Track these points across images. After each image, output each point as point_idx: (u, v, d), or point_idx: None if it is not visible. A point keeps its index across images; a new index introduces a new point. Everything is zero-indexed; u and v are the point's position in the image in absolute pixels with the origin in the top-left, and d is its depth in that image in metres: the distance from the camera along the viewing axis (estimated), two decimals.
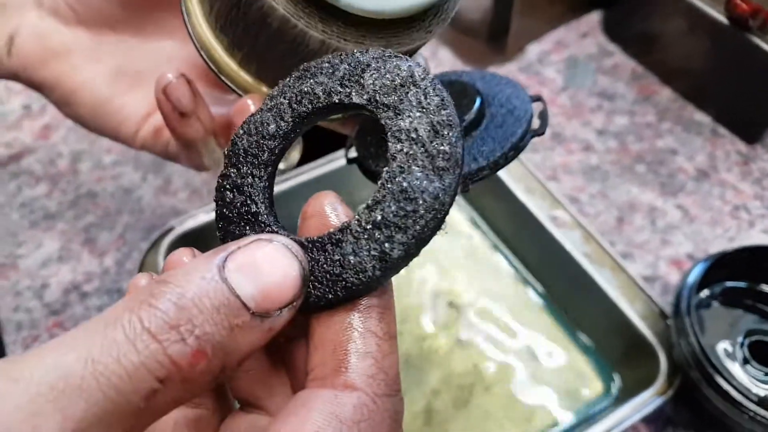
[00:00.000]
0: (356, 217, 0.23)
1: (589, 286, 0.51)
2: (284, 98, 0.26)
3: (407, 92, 0.24)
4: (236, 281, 0.19)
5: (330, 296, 0.22)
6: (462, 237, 0.59)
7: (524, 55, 0.73)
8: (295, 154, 0.39)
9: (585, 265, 0.52)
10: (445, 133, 0.23)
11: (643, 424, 0.50)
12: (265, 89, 0.32)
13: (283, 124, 0.26)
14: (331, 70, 0.25)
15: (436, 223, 0.22)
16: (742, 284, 0.51)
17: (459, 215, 0.60)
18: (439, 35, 0.74)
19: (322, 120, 0.28)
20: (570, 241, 0.53)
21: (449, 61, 0.72)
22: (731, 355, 0.49)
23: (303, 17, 0.27)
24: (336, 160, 0.56)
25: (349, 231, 0.22)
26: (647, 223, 0.61)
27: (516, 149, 0.31)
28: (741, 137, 0.66)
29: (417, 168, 0.22)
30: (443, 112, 0.23)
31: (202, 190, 0.63)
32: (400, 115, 0.23)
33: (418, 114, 0.23)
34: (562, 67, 0.72)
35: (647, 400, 0.46)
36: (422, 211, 0.22)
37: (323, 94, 0.25)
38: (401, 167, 0.22)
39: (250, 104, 0.32)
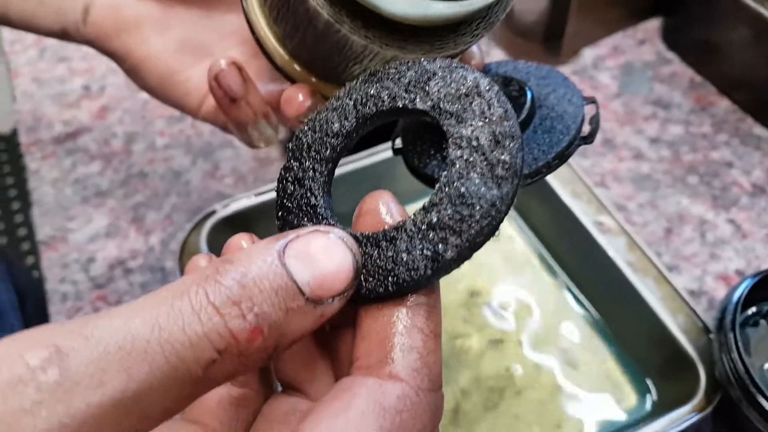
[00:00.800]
0: (412, 217, 0.23)
1: (631, 295, 0.50)
2: (350, 99, 0.27)
3: (471, 101, 0.24)
4: (294, 267, 0.20)
5: (381, 290, 0.22)
6: (503, 237, 0.58)
7: (579, 58, 0.71)
8: (273, 134, 0.41)
9: (628, 274, 0.50)
10: (507, 143, 0.23)
11: None
12: (313, 80, 0.33)
13: (347, 124, 0.27)
14: (397, 76, 0.27)
15: (490, 229, 0.23)
16: None
17: None
18: (492, 35, 0.73)
19: (385, 121, 0.29)
20: (614, 249, 0.52)
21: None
22: None
23: (346, 22, 0.28)
24: (379, 153, 0.56)
25: (404, 230, 0.23)
26: (696, 235, 0.59)
27: (561, 158, 0.30)
28: None
29: (476, 175, 0.23)
30: (505, 123, 0.24)
31: (248, 177, 0.64)
32: (462, 123, 0.24)
33: (480, 123, 0.24)
34: (617, 73, 0.70)
35: (684, 416, 0.45)
36: (478, 217, 0.22)
37: (388, 98, 0.26)
38: (460, 173, 0.23)
39: (299, 95, 0.33)
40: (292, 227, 0.25)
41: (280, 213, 0.26)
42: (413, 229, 0.23)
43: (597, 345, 0.52)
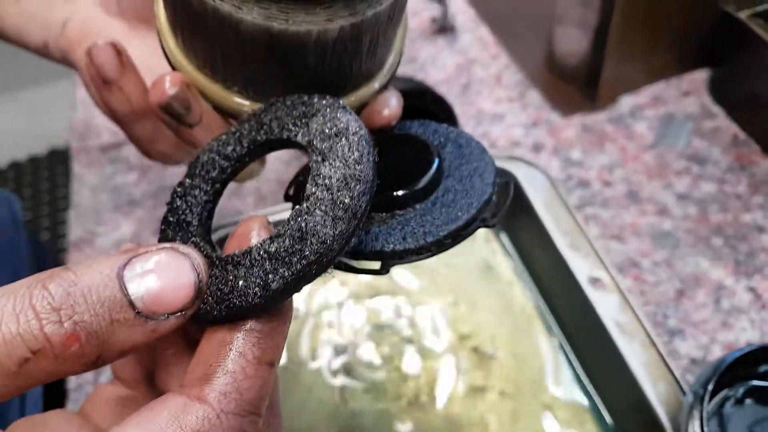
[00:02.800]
0: (256, 245, 0.24)
1: (615, 356, 0.48)
2: (248, 125, 0.29)
3: (338, 142, 0.26)
4: (131, 280, 0.21)
5: (215, 313, 0.24)
6: (502, 283, 0.58)
7: (616, 105, 0.69)
8: (256, 167, 0.41)
9: (614, 335, 0.49)
10: (353, 185, 0.24)
11: None
12: (190, 69, 0.31)
13: (239, 148, 0.29)
14: (291, 108, 0.28)
15: (319, 266, 0.24)
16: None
17: (503, 260, 0.59)
18: (531, 74, 0.72)
19: (275, 150, 0.30)
20: (604, 307, 0.50)
21: (537, 104, 0.71)
22: None
23: None
24: None
25: (249, 256, 0.24)
26: (710, 300, 0.56)
27: (455, 237, 0.29)
28: None
29: (320, 212, 0.24)
30: (358, 166, 0.25)
31: (268, 198, 0.66)
32: (325, 161, 0.25)
33: (338, 164, 0.25)
34: (655, 124, 0.68)
35: None
36: (308, 252, 0.23)
37: (277, 128, 0.28)
38: (308, 208, 0.24)
39: (166, 82, 0.31)
40: (164, 237, 0.27)
41: (162, 226, 0.28)
42: (256, 256, 0.24)
43: (578, 402, 0.51)
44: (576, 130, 0.68)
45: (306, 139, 0.27)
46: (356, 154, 0.25)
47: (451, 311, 0.56)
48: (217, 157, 0.29)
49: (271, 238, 0.24)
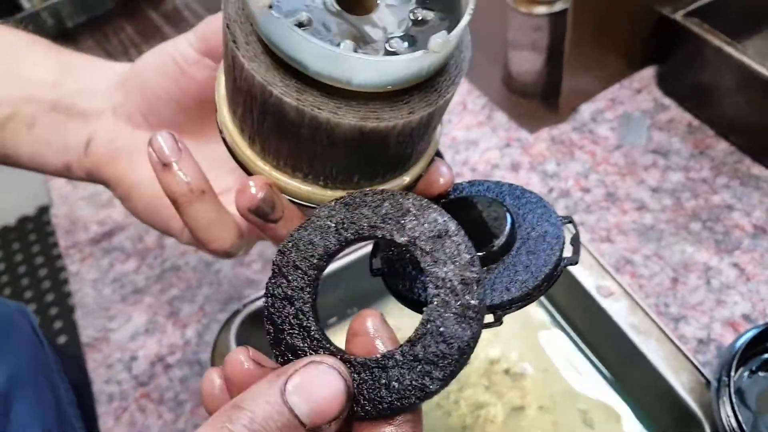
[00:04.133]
0: (400, 348, 0.27)
1: (636, 356, 0.53)
2: (330, 221, 0.31)
3: (443, 243, 0.29)
4: (294, 402, 0.25)
5: (374, 413, 0.27)
6: None
7: (578, 114, 0.74)
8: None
9: (632, 336, 0.53)
10: (474, 287, 0.28)
11: None
12: (267, 169, 0.33)
13: (329, 246, 0.30)
14: (374, 205, 0.30)
15: (464, 361, 0.27)
16: None
17: None
18: (492, 95, 0.77)
19: (360, 242, 0.32)
20: (616, 312, 0.54)
21: (505, 124, 0.75)
22: None
23: (279, 85, 0.28)
24: None
25: (394, 359, 0.27)
26: (702, 283, 0.61)
27: (549, 279, 0.32)
28: None
29: (451, 315, 0.27)
30: (473, 269, 0.28)
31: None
32: (436, 263, 0.28)
33: (451, 266, 0.28)
34: (615, 125, 0.73)
35: None
36: (456, 355, 0.27)
37: (368, 226, 0.30)
38: (438, 311, 0.28)
39: (250, 186, 0.32)
40: (287, 347, 0.29)
41: (271, 329, 0.29)
42: (402, 359, 0.27)
43: (610, 404, 0.55)
44: (546, 143, 0.72)
45: (405, 239, 0.29)
46: (467, 256, 0.28)
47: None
48: (309, 257, 0.30)
49: (412, 342, 0.27)
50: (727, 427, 0.46)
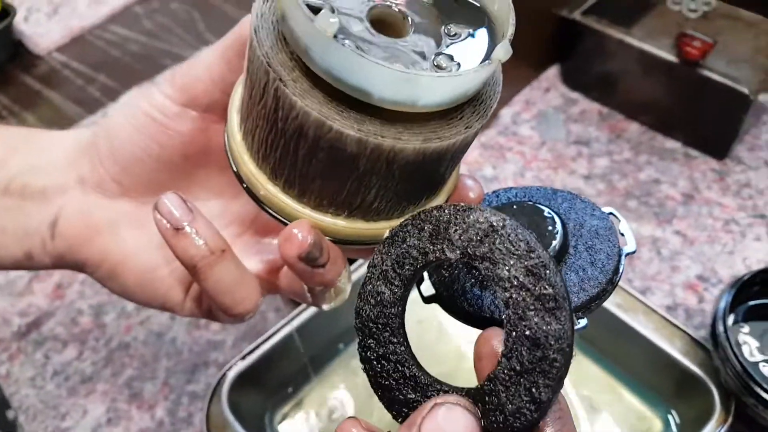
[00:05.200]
0: (499, 364, 0.26)
1: (629, 333, 0.55)
2: (386, 266, 0.29)
3: (494, 241, 0.26)
4: None
5: None
6: None
7: (499, 119, 0.77)
8: (342, 295, 0.38)
9: (620, 315, 0.55)
10: (543, 274, 0.25)
11: None
12: (307, 212, 0.31)
13: (395, 289, 0.29)
14: (416, 231, 0.29)
15: (566, 357, 0.25)
16: (764, 301, 0.55)
17: None
18: None
19: (423, 272, 0.30)
20: None
21: None
22: None
23: (338, 119, 0.27)
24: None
25: (498, 380, 0.25)
26: (654, 254, 0.65)
27: (617, 272, 0.32)
28: (711, 155, 0.72)
29: (531, 313, 0.25)
30: (533, 254, 0.26)
31: (282, 306, 0.64)
32: (495, 264, 0.26)
33: (510, 261, 0.26)
34: (535, 124, 0.76)
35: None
36: (553, 354, 0.25)
37: (419, 254, 0.28)
38: (517, 314, 0.25)
39: (296, 233, 0.30)
40: (401, 403, 0.28)
41: (379, 391, 0.28)
42: (505, 377, 0.25)
43: (613, 385, 0.56)
44: (478, 150, 0.74)
45: (458, 252, 0.27)
46: (523, 244, 0.26)
47: (465, 332, 0.59)
48: (383, 308, 0.29)
49: (506, 357, 0.25)
50: (733, 377, 0.49)
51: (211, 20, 0.96)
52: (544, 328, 0.25)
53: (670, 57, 0.67)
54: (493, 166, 0.73)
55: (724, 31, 0.77)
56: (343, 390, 0.57)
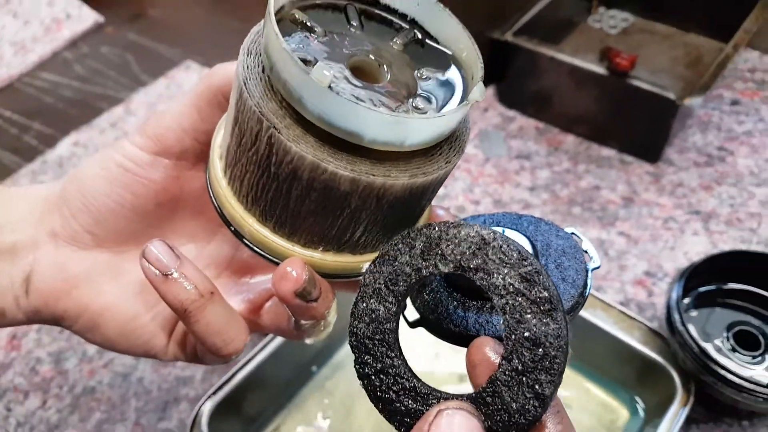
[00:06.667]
0: (500, 368, 0.27)
1: (589, 329, 0.57)
2: (379, 284, 0.30)
3: (487, 253, 0.28)
4: None
5: None
6: None
7: None
8: (328, 329, 0.39)
9: (580, 312, 0.57)
10: (536, 280, 0.27)
11: None
12: (298, 250, 0.33)
13: (389, 306, 0.30)
14: (408, 249, 0.30)
15: (565, 354, 0.27)
16: (711, 287, 0.59)
17: None
18: None
19: (415, 288, 0.32)
20: None
21: None
22: (720, 351, 0.56)
23: (331, 161, 0.29)
24: None
25: (499, 381, 0.27)
26: (601, 255, 0.69)
27: (586, 286, 0.34)
28: (645, 159, 0.77)
29: (529, 316, 0.27)
30: (525, 263, 0.28)
31: None
32: (490, 275, 0.28)
33: (504, 270, 0.28)
34: (477, 142, 0.79)
35: (675, 416, 0.52)
36: (553, 351, 0.27)
37: (411, 270, 0.30)
38: (515, 318, 0.27)
39: (290, 270, 0.32)
40: (402, 413, 0.29)
41: (380, 405, 0.29)
42: (507, 379, 0.27)
43: (578, 380, 0.59)
44: None
45: (451, 266, 0.29)
46: (515, 254, 0.28)
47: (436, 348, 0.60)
48: (378, 325, 0.30)
49: (507, 359, 0.27)
50: (691, 359, 0.52)
51: (145, 62, 0.96)
52: (543, 328, 0.27)
53: (600, 70, 0.72)
54: (444, 185, 0.75)
55: (643, 44, 0.83)
56: (319, 412, 0.58)
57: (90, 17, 1.01)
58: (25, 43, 0.98)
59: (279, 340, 0.57)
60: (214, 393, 0.53)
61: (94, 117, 0.88)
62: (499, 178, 0.76)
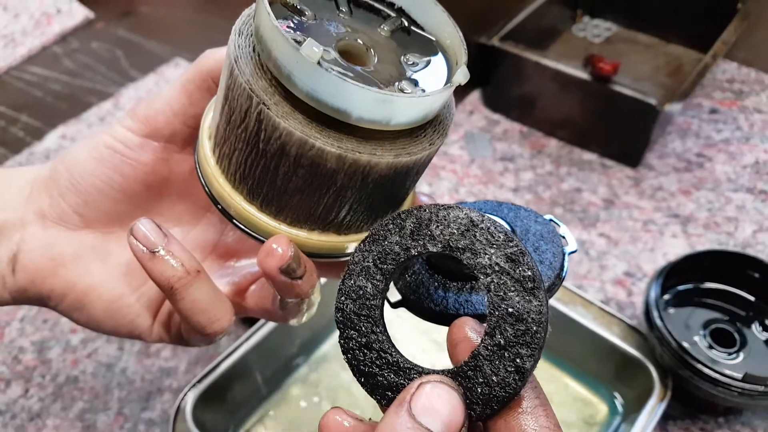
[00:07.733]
0: (481, 343, 0.28)
1: (569, 325, 0.59)
2: (368, 261, 0.31)
3: (475, 234, 0.29)
4: (428, 423, 0.25)
5: (488, 412, 0.27)
6: None
7: None
8: (311, 310, 0.40)
9: (560, 308, 0.59)
10: (521, 260, 0.28)
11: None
12: (284, 228, 0.34)
13: (377, 283, 0.31)
14: (398, 229, 0.31)
15: (545, 330, 0.28)
16: (689, 286, 0.60)
17: None
18: None
19: (404, 267, 0.33)
20: None
21: None
22: (697, 347, 0.57)
23: (319, 137, 0.29)
24: None
25: (481, 356, 0.28)
26: (583, 256, 0.70)
27: (562, 268, 0.35)
28: (626, 164, 0.78)
29: (513, 293, 0.28)
30: (511, 244, 0.29)
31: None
32: (476, 254, 0.29)
33: (491, 250, 0.29)
34: (463, 144, 0.81)
35: (653, 410, 0.53)
36: (534, 326, 0.27)
37: (401, 249, 0.31)
38: (498, 295, 0.28)
39: (275, 247, 0.32)
40: (385, 387, 0.29)
41: (362, 378, 0.30)
42: (488, 353, 0.28)
43: (557, 375, 0.60)
44: None
45: (439, 246, 0.30)
46: (501, 235, 0.29)
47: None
48: (365, 301, 0.30)
49: (490, 334, 0.28)
50: (670, 354, 0.53)
51: (134, 58, 0.96)
52: (526, 305, 0.28)
53: (583, 75, 0.74)
54: (429, 183, 0.76)
55: (625, 53, 0.85)
56: (303, 402, 0.58)
57: (80, 13, 1.02)
58: (14, 36, 0.98)
59: (263, 331, 0.58)
60: (198, 383, 0.54)
61: (82, 111, 0.88)
62: (484, 178, 0.77)
